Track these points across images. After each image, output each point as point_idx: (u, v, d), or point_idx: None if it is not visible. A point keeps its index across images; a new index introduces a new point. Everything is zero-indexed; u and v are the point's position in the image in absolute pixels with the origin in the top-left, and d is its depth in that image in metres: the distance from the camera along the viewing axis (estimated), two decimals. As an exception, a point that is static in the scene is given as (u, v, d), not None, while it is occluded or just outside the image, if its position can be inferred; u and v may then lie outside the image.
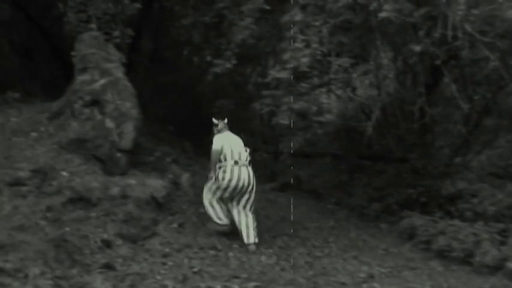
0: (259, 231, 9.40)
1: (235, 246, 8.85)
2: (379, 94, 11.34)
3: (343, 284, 7.90)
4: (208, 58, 12.02)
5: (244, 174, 8.97)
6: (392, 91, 11.12)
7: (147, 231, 8.43)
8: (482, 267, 9.08)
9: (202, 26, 14.84)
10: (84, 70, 9.72)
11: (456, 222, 10.04)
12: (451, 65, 11.93)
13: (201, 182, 10.86)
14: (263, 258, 8.52)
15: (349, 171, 13.64)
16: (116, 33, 10.65)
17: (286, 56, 9.78)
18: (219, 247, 8.64)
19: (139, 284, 6.83)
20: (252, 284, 7.30)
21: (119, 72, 9.79)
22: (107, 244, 7.70)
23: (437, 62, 10.27)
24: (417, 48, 9.47)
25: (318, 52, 9.63)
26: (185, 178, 10.38)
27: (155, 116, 13.28)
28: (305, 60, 9.49)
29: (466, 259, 9.42)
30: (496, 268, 9.00)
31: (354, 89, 11.90)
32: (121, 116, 9.32)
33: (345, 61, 9.79)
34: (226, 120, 9.60)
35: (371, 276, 8.39)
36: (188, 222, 9.18)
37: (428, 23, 9.60)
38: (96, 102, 9.36)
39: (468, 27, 9.16)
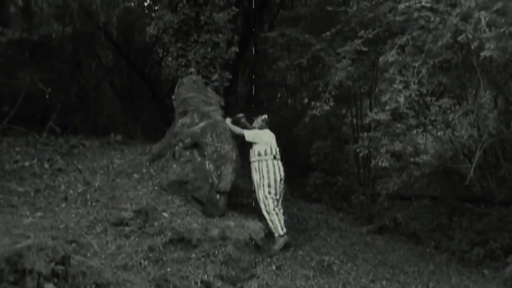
0: (358, 276, 9.31)
1: (333, 289, 8.76)
2: (480, 135, 11.08)
3: (447, 331, 7.68)
4: (306, 100, 12.12)
5: (281, 168, 9.96)
6: (493, 131, 10.84)
7: (246, 273, 8.46)
8: None
9: (297, 68, 15.07)
10: (184, 113, 9.97)
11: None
12: (555, 103, 11.61)
13: (298, 224, 10.91)
14: (362, 302, 8.40)
15: (448, 214, 13.31)
16: (215, 76, 10.93)
17: (384, 97, 9.74)
18: (318, 291, 8.57)
19: (239, 326, 6.86)
20: (352, 328, 7.20)
21: (218, 115, 9.99)
22: (207, 285, 7.76)
23: (542, 100, 10.01)
24: (520, 86, 9.25)
25: (417, 93, 9.54)
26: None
27: (250, 158, 13.44)
28: (403, 101, 9.42)
29: None
30: None
31: (453, 130, 11.66)
32: (220, 158, 9.49)
33: (444, 101, 9.67)
34: (266, 117, 10.35)
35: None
36: (286, 264, 9.15)
37: (533, 60, 9.38)
38: (196, 145, 9.56)
39: None
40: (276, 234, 9.61)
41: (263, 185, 9.76)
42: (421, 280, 9.99)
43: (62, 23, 13.79)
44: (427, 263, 11.08)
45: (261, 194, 9.79)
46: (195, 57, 10.98)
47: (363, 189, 14.01)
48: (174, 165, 9.62)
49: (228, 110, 11.84)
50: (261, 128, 10.21)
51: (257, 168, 9.84)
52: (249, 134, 10.02)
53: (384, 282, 9.48)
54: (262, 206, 9.77)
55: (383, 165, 9.96)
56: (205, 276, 7.90)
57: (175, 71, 11.20)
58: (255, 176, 9.87)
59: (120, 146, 11.39)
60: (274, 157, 9.91)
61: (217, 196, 9.40)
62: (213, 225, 8.80)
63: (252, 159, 9.95)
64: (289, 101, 17.37)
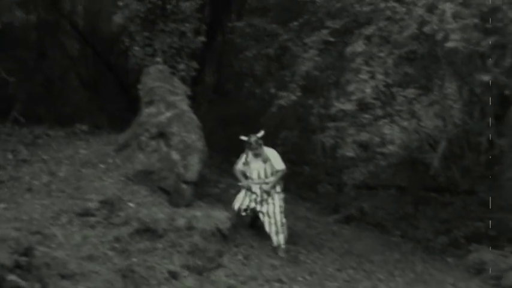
0: (324, 265, 9.40)
1: (300, 279, 8.81)
2: (444, 125, 11.22)
3: (411, 319, 7.79)
4: (272, 90, 12.12)
5: None
6: (458, 122, 10.99)
7: (212, 262, 8.47)
8: None
9: (264, 58, 15.03)
10: (150, 103, 9.91)
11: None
12: (520, 95, 11.75)
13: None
14: (328, 291, 8.48)
15: (414, 203, 13.46)
16: (181, 66, 10.86)
17: (351, 87, 9.80)
18: (284, 279, 8.61)
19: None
20: (318, 317, 7.26)
21: (184, 105, 9.95)
22: (173, 275, 7.75)
23: (507, 92, 10.13)
24: (485, 77, 9.35)
25: (383, 83, 9.62)
26: (249, 210, 10.42)
27: (219, 148, 13.41)
28: (369, 91, 9.50)
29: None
30: None
31: (418, 120, 11.79)
32: (186, 148, 9.45)
33: (410, 92, 9.76)
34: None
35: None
36: (253, 254, 9.19)
37: (497, 52, 9.48)
38: (162, 135, 9.52)
39: (539, 56, 9.04)
40: None
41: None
42: (386, 269, 10.13)
43: (25, 11, 13.57)
44: (393, 252, 11.22)
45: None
46: (162, 47, 10.89)
47: (330, 179, 14.06)
48: (140, 155, 9.57)
49: (194, 100, 11.82)
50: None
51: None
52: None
53: (350, 271, 9.58)
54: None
55: (349, 155, 10.02)
56: (172, 266, 7.89)
57: (141, 61, 11.09)
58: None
59: (86, 136, 11.27)
60: None
61: (184, 186, 9.36)
62: (179, 215, 8.78)
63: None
64: (256, 91, 17.31)
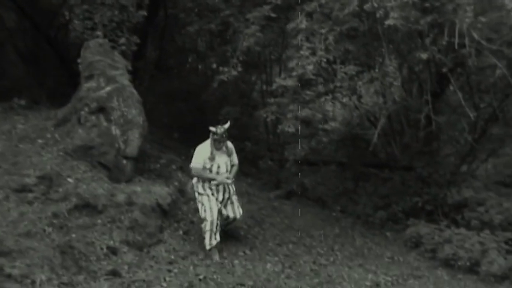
0: (265, 240, 9.48)
1: (241, 253, 8.89)
2: (384, 102, 11.37)
3: (349, 291, 7.94)
4: (214, 65, 12.08)
5: None
6: (398, 99, 11.13)
7: (152, 238, 8.48)
8: (489, 276, 9.12)
9: (207, 34, 14.95)
10: (90, 77, 9.77)
11: (462, 230, 10.08)
12: (457, 73, 11.97)
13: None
14: (268, 265, 8.56)
15: (354, 179, 13.65)
16: (122, 40, 10.70)
17: (292, 63, 9.84)
18: (225, 254, 8.67)
19: (145, 291, 6.87)
20: (258, 291, 7.34)
21: (125, 80, 9.83)
22: (113, 251, 7.74)
23: (444, 70, 10.32)
24: (423, 55, 9.50)
25: (324, 60, 9.67)
26: (190, 185, 10.37)
27: (160, 123, 13.35)
28: (311, 67, 9.54)
29: (473, 268, 9.46)
30: (502, 277, 9.05)
31: (359, 97, 11.91)
32: (127, 123, 9.37)
33: (350, 69, 9.84)
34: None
35: (377, 285, 8.43)
36: (193, 229, 9.22)
37: (434, 30, 9.64)
38: (102, 110, 9.40)
39: (475, 35, 9.20)
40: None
41: None
42: (326, 243, 10.28)
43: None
44: (333, 227, 11.38)
45: None
46: (102, 20, 10.71)
47: (272, 155, 14.14)
48: (80, 130, 9.45)
49: (136, 75, 11.70)
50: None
51: None
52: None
53: (291, 246, 9.70)
54: None
55: (290, 130, 10.07)
56: (111, 242, 7.89)
57: (81, 34, 10.89)
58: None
59: (24, 111, 11.04)
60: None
61: (124, 161, 9.30)
62: (119, 191, 8.75)
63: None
64: (199, 66, 17.27)
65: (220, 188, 8.92)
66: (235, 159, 9.21)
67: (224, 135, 8.76)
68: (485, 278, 9.14)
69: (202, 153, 8.84)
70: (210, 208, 8.72)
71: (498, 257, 9.29)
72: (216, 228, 8.66)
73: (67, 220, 7.99)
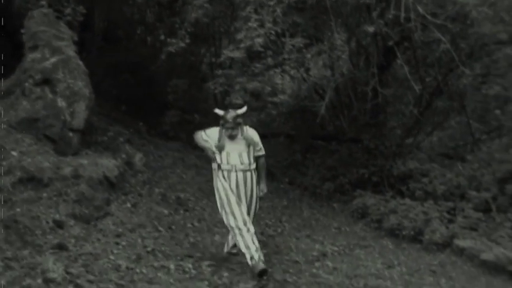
0: (213, 211, 9.46)
1: (189, 225, 8.86)
2: (332, 74, 11.43)
3: (296, 262, 7.99)
4: (162, 37, 11.93)
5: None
6: (345, 72, 11.20)
7: (100, 211, 8.35)
8: (432, 245, 9.33)
9: (156, 5, 14.74)
10: (34, 48, 9.52)
11: (407, 201, 10.28)
12: (403, 47, 12.12)
13: (154, 162, 10.86)
14: (217, 237, 8.55)
15: (302, 151, 13.74)
16: (68, 10, 10.43)
17: (240, 35, 9.78)
18: (173, 227, 8.63)
19: (92, 264, 6.75)
20: (206, 262, 7.31)
21: (71, 51, 9.61)
22: (59, 225, 7.59)
23: (390, 43, 10.41)
24: (370, 29, 9.58)
25: (272, 32, 9.64)
26: (138, 158, 10.33)
27: (108, 96, 13.13)
28: (259, 40, 9.51)
29: (416, 237, 9.68)
30: (444, 245, 9.27)
31: (307, 70, 11.92)
32: (73, 95, 9.17)
33: (298, 41, 9.85)
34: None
35: (323, 255, 8.51)
36: (141, 202, 9.14)
37: (381, 4, 9.70)
38: (47, 81, 9.18)
39: (420, 9, 9.29)
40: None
41: None
42: (274, 215, 10.34)
43: None
44: (281, 199, 11.46)
45: None
46: (47, -11, 10.45)
47: (220, 127, 14.08)
48: (24, 103, 9.21)
49: (83, 47, 11.46)
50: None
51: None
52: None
53: (239, 218, 9.69)
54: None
55: (237, 102, 10.02)
56: (57, 215, 7.72)
57: (25, 4, 10.61)
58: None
59: (-34, 82, 10.74)
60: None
61: (70, 134, 9.10)
62: (65, 164, 8.57)
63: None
64: (148, 38, 17.01)
65: (234, 176, 7.34)
66: (259, 149, 7.48)
67: (235, 122, 7.23)
68: (428, 247, 9.35)
69: (210, 135, 7.53)
70: (229, 203, 7.31)
71: (440, 226, 9.52)
72: (247, 227, 7.23)
73: (11, 194, 7.78)
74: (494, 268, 8.35)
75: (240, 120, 7.26)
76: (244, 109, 7.40)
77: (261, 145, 7.48)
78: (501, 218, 9.48)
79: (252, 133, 7.46)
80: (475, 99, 13.55)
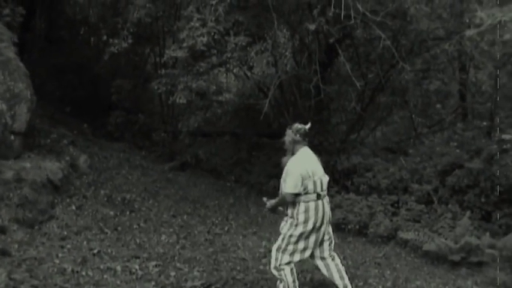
0: (160, 212, 9.42)
1: (135, 226, 8.78)
2: (276, 72, 11.46)
3: (243, 259, 7.99)
4: (105, 37, 11.81)
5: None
6: (289, 69, 11.26)
7: (44, 214, 8.22)
8: (376, 238, 9.45)
9: (98, 5, 14.59)
10: (-28, 50, 9.32)
11: (352, 196, 10.38)
12: (345, 44, 12.24)
13: (99, 163, 10.75)
14: (163, 237, 8.49)
15: (248, 149, 13.75)
16: (6, 11, 10.23)
17: (182, 35, 9.73)
18: (119, 228, 8.54)
19: (36, 269, 6.64)
20: (152, 263, 7.27)
21: (10, 52, 9.42)
22: (2, 230, 7.44)
23: (332, 41, 10.49)
24: (312, 26, 9.62)
25: (215, 31, 9.62)
26: (83, 160, 10.20)
27: (51, 97, 12.96)
28: (202, 39, 9.47)
29: (362, 230, 9.78)
30: (388, 238, 9.40)
31: (251, 68, 11.94)
32: (13, 97, 8.99)
33: (241, 39, 9.83)
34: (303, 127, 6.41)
35: (270, 251, 8.51)
36: (87, 204, 9.03)
37: (322, 2, 9.76)
38: (-14, 83, 9.00)
39: (360, 7, 9.39)
40: None
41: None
42: (221, 213, 10.33)
43: None
44: (228, 197, 11.45)
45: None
46: (-16, -9, 10.23)
47: (166, 127, 14.03)
48: (-37, 106, 9.02)
49: (24, 48, 11.26)
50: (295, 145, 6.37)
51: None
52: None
53: (185, 217, 9.68)
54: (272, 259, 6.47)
55: (181, 101, 10.00)
56: (0, 220, 7.58)
57: (-39, 5, 10.37)
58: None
59: None
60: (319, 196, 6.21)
61: (12, 137, 8.93)
62: (7, 168, 8.41)
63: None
64: (91, 38, 16.84)
65: None
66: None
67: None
68: (373, 239, 9.47)
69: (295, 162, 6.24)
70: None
71: (384, 219, 9.66)
72: None
73: (-49, 200, 7.64)
74: (436, 258, 8.51)
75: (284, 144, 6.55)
76: (309, 125, 6.52)
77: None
78: (442, 209, 9.67)
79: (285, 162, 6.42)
80: (416, 94, 13.79)
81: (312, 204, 6.15)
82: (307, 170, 6.13)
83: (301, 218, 6.15)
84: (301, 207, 6.14)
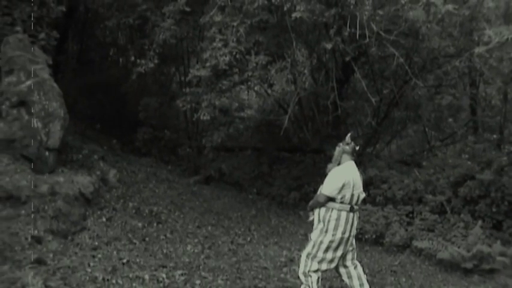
0: (185, 223, 9.48)
1: (162, 237, 8.85)
2: (295, 89, 11.53)
3: (265, 268, 8.03)
4: (133, 58, 11.95)
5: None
6: (307, 86, 11.32)
7: (76, 226, 8.34)
8: (392, 247, 9.48)
9: (127, 28, 14.77)
10: (10, 72, 9.46)
11: (368, 206, 10.39)
12: (361, 62, 12.29)
13: (128, 177, 10.85)
14: (189, 247, 8.56)
15: (269, 163, 13.80)
16: (42, 35, 10.41)
17: (205, 55, 9.85)
18: (147, 239, 8.62)
19: (70, 277, 6.74)
20: (179, 272, 7.33)
21: (45, 74, 9.59)
22: (38, 240, 7.56)
23: (347, 59, 10.55)
24: (328, 45, 9.69)
25: (236, 51, 9.72)
26: (112, 174, 10.31)
27: (82, 115, 13.11)
28: (224, 58, 9.59)
29: (378, 240, 9.81)
30: (404, 247, 9.42)
31: (271, 85, 12.03)
32: (48, 115, 9.15)
33: (261, 58, 9.92)
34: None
35: (291, 260, 8.55)
36: (116, 216, 9.12)
37: (338, 22, 9.83)
38: (23, 103, 9.14)
39: (374, 26, 9.45)
40: None
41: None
42: (243, 224, 10.38)
43: None
44: (250, 209, 11.51)
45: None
46: (21, 16, 10.38)
47: (190, 142, 14.14)
48: (1, 124, 9.13)
49: (58, 69, 11.44)
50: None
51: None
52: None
53: (210, 228, 9.74)
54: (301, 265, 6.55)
55: (205, 118, 10.11)
56: (36, 231, 7.70)
57: (0, 30, 10.55)
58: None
59: None
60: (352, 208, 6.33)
61: (46, 153, 9.08)
62: (42, 182, 8.54)
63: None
64: (120, 59, 17.05)
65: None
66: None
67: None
68: (389, 248, 9.49)
69: (335, 175, 6.42)
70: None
71: (400, 228, 9.68)
72: None
73: (-10, 212, 7.76)
74: (450, 266, 8.52)
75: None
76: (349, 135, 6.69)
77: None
78: (455, 219, 9.68)
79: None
80: (429, 109, 13.79)
81: (343, 214, 6.27)
82: (350, 181, 6.29)
83: (332, 224, 6.27)
84: (334, 214, 6.27)
